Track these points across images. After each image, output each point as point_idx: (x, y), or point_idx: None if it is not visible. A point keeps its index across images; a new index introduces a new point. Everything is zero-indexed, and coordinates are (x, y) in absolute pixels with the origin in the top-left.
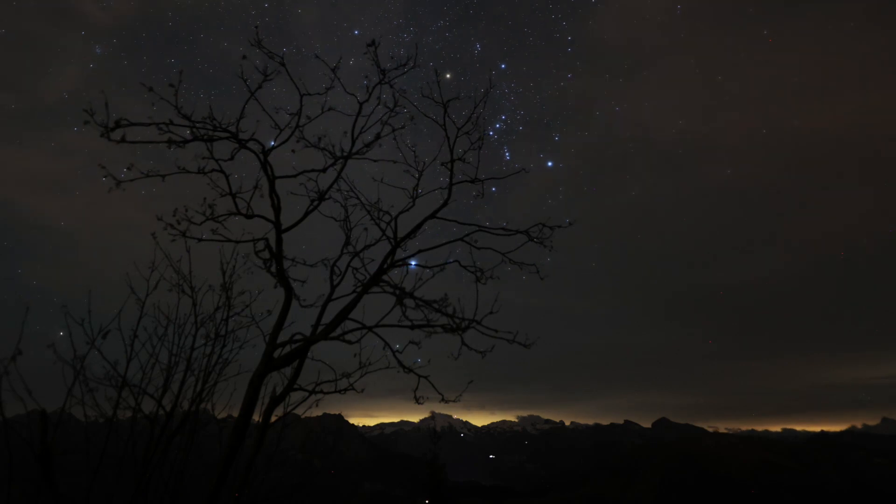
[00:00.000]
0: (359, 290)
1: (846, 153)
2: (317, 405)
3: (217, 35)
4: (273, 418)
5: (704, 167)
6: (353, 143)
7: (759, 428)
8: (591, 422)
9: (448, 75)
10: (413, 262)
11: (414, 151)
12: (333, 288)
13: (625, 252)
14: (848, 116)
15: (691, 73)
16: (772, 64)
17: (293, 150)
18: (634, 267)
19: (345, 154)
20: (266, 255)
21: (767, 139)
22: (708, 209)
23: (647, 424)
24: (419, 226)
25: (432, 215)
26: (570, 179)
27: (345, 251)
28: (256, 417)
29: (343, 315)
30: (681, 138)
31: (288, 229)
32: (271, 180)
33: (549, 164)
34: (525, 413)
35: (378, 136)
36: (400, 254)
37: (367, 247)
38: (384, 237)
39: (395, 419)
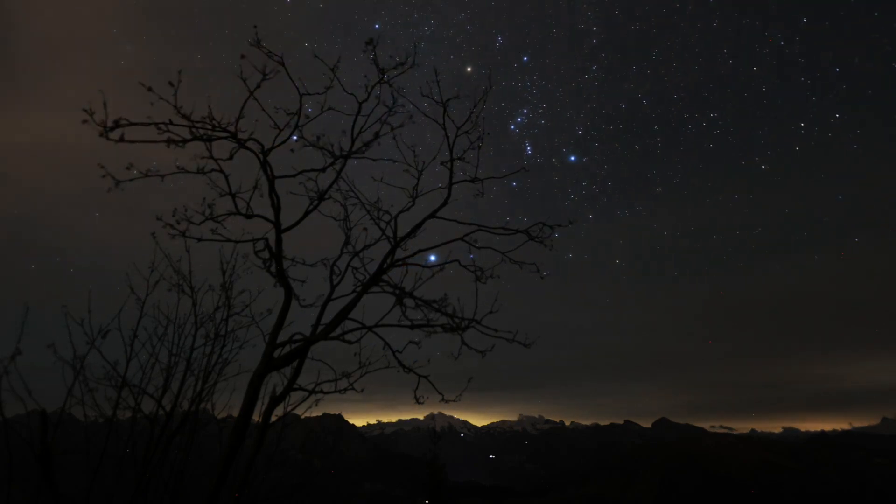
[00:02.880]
0: (359, 289)
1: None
2: (317, 405)
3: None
4: (273, 418)
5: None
6: (353, 142)
7: (759, 428)
8: (591, 422)
9: (469, 69)
10: (431, 257)
11: (413, 151)
12: (333, 288)
13: (628, 251)
14: None
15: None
16: None
17: (292, 150)
18: (636, 266)
19: (344, 153)
20: (266, 254)
21: None
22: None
23: (647, 424)
24: (419, 225)
25: (432, 215)
26: (593, 174)
27: (344, 251)
28: (256, 417)
29: (343, 315)
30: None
31: (288, 229)
32: (271, 180)
33: (572, 158)
34: (525, 413)
35: (377, 136)
36: (400, 253)
37: (366, 246)
38: (384, 237)
39: (395, 419)
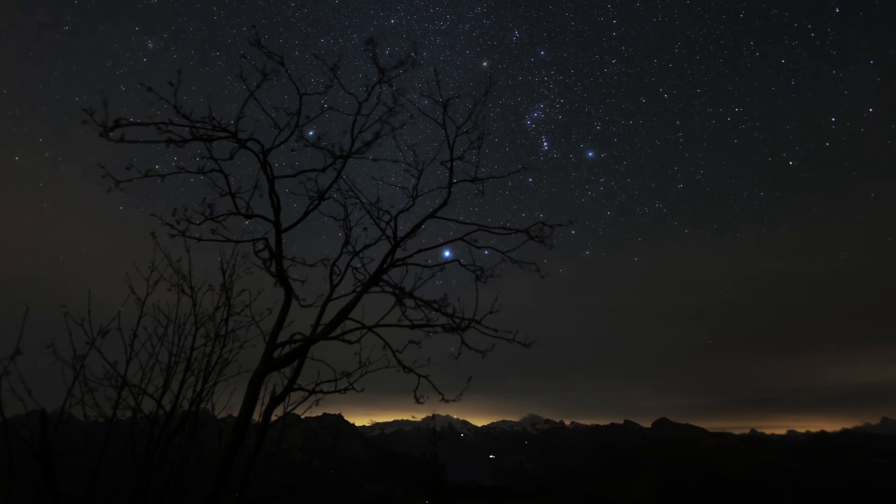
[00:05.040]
0: (359, 289)
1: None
2: (317, 405)
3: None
4: (273, 418)
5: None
6: (353, 142)
7: (759, 428)
8: (590, 422)
9: (485, 63)
10: (447, 253)
11: (414, 151)
12: (333, 288)
13: (647, 249)
14: None
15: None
16: None
17: (293, 150)
18: (636, 265)
19: (344, 153)
20: (266, 254)
21: None
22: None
23: (647, 424)
24: (419, 225)
25: (432, 215)
26: (612, 171)
27: (344, 251)
28: (256, 417)
29: (343, 315)
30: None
31: (287, 229)
32: (271, 180)
33: (590, 154)
34: (525, 413)
35: (378, 136)
36: (400, 253)
37: (366, 246)
38: (384, 237)
39: (395, 419)
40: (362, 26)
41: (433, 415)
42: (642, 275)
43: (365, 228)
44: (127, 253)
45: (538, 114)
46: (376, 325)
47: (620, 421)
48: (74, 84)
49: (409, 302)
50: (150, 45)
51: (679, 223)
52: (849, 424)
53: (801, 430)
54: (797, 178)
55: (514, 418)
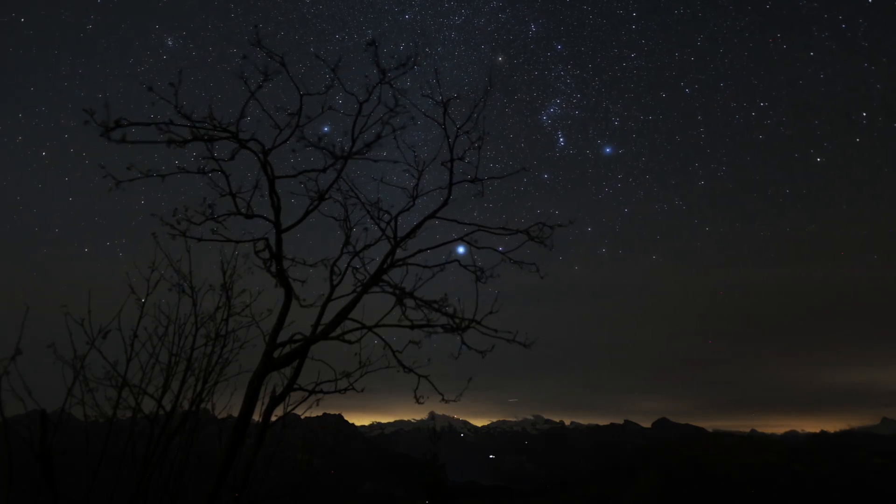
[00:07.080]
0: (359, 289)
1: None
2: (317, 405)
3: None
4: (273, 418)
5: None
6: (354, 142)
7: (759, 428)
8: (590, 422)
9: (500, 58)
10: (460, 249)
11: (414, 151)
12: (333, 288)
13: (665, 247)
14: None
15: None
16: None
17: (293, 150)
18: (654, 263)
19: (345, 154)
20: (266, 254)
21: None
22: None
23: (647, 424)
24: (419, 225)
25: (432, 215)
26: (630, 167)
27: (344, 251)
28: (256, 417)
29: (343, 315)
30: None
31: (288, 229)
32: (271, 180)
33: (608, 150)
34: (525, 413)
35: (378, 136)
36: (400, 253)
37: (367, 246)
38: (384, 237)
39: (395, 419)
40: (377, 22)
41: (433, 415)
42: (658, 273)
43: (365, 228)
44: (130, 252)
45: (554, 109)
46: (376, 326)
47: (620, 421)
48: (97, 81)
49: (409, 302)
50: (170, 43)
51: (699, 221)
52: (849, 424)
53: (801, 430)
54: (825, 176)
55: (514, 418)
